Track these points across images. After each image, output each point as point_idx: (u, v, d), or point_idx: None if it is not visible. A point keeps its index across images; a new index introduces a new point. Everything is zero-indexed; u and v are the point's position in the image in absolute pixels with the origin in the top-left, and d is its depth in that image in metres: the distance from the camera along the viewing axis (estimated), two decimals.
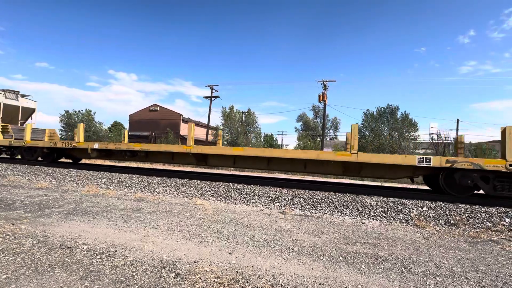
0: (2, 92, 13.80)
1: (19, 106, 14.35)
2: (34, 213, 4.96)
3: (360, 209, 5.94)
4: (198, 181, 8.30)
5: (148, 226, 4.43)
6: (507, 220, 5.20)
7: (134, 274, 2.73)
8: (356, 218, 5.66)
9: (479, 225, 5.13)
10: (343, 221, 5.45)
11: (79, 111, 43.03)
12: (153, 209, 5.63)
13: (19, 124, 14.20)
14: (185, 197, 7.09)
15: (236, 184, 7.81)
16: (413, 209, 5.78)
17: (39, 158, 11.83)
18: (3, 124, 12.50)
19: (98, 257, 3.11)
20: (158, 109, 47.50)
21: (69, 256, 3.10)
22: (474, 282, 2.91)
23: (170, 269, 2.88)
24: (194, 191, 7.38)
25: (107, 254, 3.19)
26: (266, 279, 2.76)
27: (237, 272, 2.89)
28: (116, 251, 3.31)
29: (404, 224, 5.35)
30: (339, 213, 5.91)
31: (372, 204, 6.09)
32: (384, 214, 5.71)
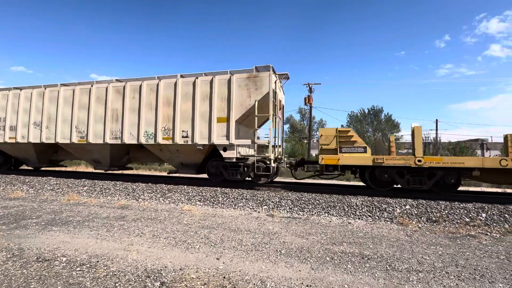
0: (276, 77, 8.10)
1: (280, 100, 8.86)
2: (8, 225, 4.69)
3: (346, 209, 6.05)
4: (185, 186, 8.16)
5: (132, 234, 4.30)
6: (484, 215, 5.45)
7: (117, 285, 2.64)
8: (342, 218, 5.74)
9: (458, 221, 5.35)
10: (330, 221, 5.52)
11: None
12: (138, 217, 5.47)
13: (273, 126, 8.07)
14: (171, 203, 6.95)
15: (223, 188, 7.75)
16: (396, 207, 5.95)
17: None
18: (342, 128, 7.34)
19: (78, 269, 2.97)
20: None
21: (47, 269, 2.95)
22: (454, 276, 3.02)
23: (155, 278, 2.81)
24: (181, 197, 7.25)
25: (88, 266, 3.06)
26: (254, 283, 2.74)
27: (224, 277, 2.85)
28: (97, 261, 3.19)
29: (389, 222, 5.49)
30: (326, 214, 5.98)
31: (357, 204, 6.21)
32: (369, 214, 5.84)
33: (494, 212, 5.49)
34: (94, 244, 3.82)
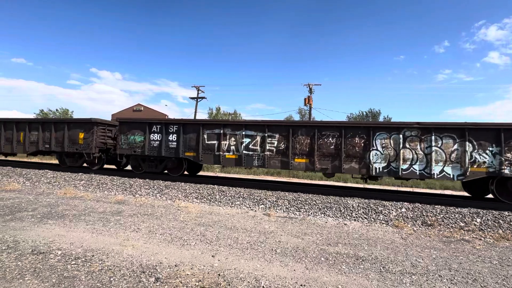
0: None
1: None
2: (4, 217, 4.67)
3: (343, 211, 6.07)
4: (182, 183, 8.16)
5: (128, 230, 4.30)
6: (478, 220, 5.49)
7: (112, 279, 2.64)
8: (338, 220, 5.77)
9: (453, 225, 5.39)
10: (326, 222, 5.55)
11: (56, 110, 41.45)
12: (134, 212, 5.47)
13: None
14: (168, 199, 6.94)
15: (221, 186, 7.75)
16: (392, 210, 5.98)
17: None
18: None
19: (73, 262, 2.97)
20: (142, 109, 46.33)
21: (42, 262, 2.94)
22: (447, 279, 3.05)
23: (150, 273, 2.81)
24: (178, 193, 7.25)
25: (83, 259, 3.06)
26: (248, 282, 2.75)
27: (219, 275, 2.86)
28: (93, 255, 3.19)
29: (384, 224, 5.52)
30: (322, 215, 6.00)
31: (354, 205, 6.24)
32: (365, 215, 5.87)
33: (488, 218, 5.54)
34: (89, 238, 3.81)
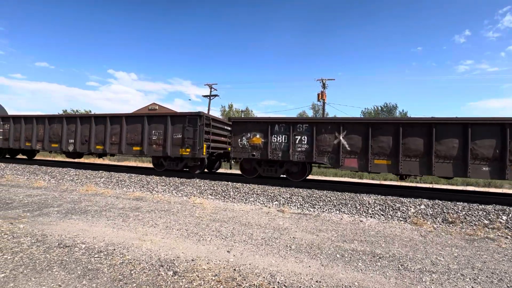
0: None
1: None
2: (33, 212, 4.96)
3: (358, 207, 5.97)
4: (197, 180, 8.31)
5: (146, 225, 4.44)
6: (504, 217, 5.23)
7: (132, 272, 2.75)
8: (354, 216, 5.68)
9: (476, 223, 5.16)
10: (341, 219, 5.47)
11: (77, 110, 43.97)
12: (152, 208, 5.64)
13: None
14: (184, 196, 7.10)
15: (235, 183, 7.82)
16: (411, 207, 5.81)
17: None
18: None
19: (96, 255, 3.12)
20: (157, 108, 47.47)
21: (68, 255, 3.11)
22: (470, 279, 2.94)
23: (168, 267, 2.90)
24: (193, 190, 7.40)
25: (105, 253, 3.20)
26: (264, 277, 2.78)
27: (234, 270, 2.91)
28: (114, 249, 3.33)
29: (402, 222, 5.38)
30: (337, 211, 5.93)
31: (370, 202, 6.11)
32: (382, 212, 5.74)
33: None
34: (111, 232, 3.98)
